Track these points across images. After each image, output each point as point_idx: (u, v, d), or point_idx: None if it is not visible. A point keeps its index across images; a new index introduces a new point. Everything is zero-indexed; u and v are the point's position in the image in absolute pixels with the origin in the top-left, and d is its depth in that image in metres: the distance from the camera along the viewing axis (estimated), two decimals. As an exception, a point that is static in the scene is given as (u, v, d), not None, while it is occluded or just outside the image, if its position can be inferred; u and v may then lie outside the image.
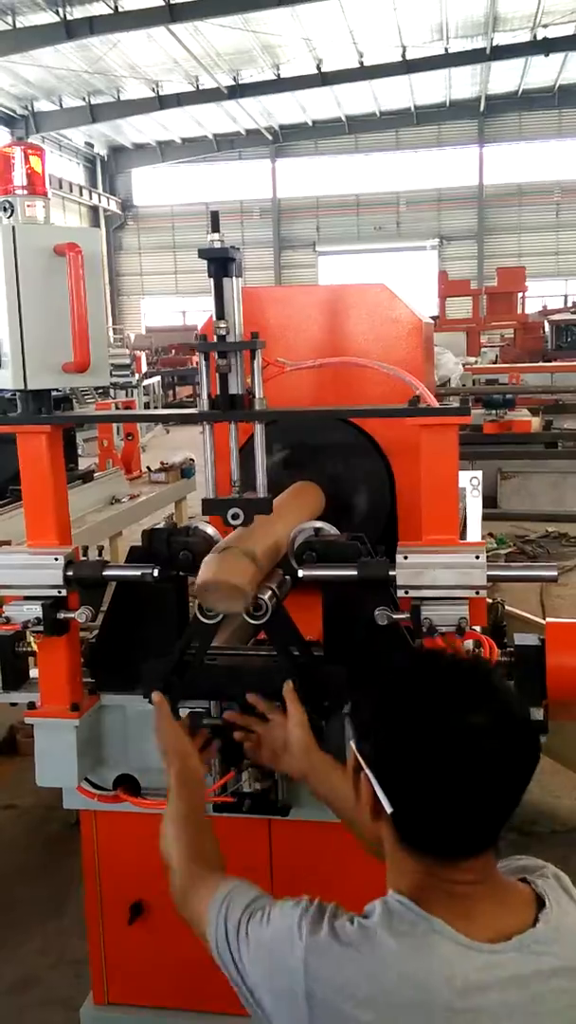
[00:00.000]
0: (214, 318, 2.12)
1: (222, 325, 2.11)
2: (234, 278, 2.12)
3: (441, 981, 1.15)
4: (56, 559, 2.28)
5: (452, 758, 1.19)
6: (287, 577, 2.24)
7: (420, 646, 2.06)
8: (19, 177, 2.33)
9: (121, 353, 19.33)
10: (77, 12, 21.96)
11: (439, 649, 1.91)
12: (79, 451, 8.96)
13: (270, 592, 2.09)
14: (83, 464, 8.32)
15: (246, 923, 1.31)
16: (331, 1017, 1.17)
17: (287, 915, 1.27)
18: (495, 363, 16.96)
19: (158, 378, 20.80)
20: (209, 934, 1.37)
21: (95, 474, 7.87)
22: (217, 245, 2.08)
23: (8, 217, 2.32)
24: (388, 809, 1.23)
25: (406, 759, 1.22)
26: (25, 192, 2.33)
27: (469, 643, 2.17)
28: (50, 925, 3.51)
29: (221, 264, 2.11)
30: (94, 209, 34.80)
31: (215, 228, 2.08)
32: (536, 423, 10.61)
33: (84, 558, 2.37)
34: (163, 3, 21.19)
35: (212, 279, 2.11)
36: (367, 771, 1.28)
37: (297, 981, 1.20)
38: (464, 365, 14.61)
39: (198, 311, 30.42)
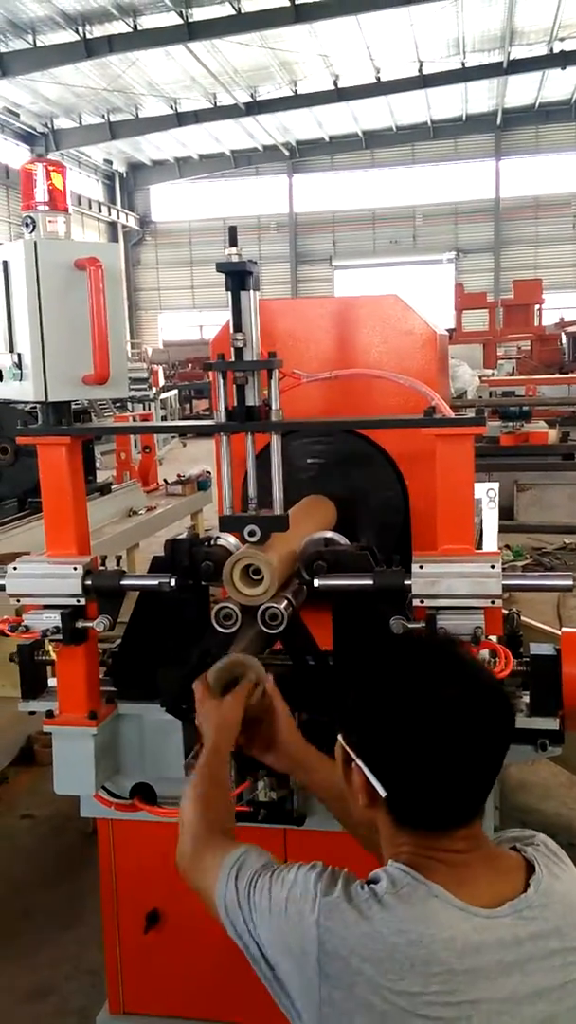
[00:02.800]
0: (231, 330, 2.15)
1: (239, 337, 2.13)
2: (251, 291, 2.15)
3: (441, 944, 1.22)
4: (75, 568, 2.31)
5: (433, 732, 1.27)
6: (303, 587, 2.25)
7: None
8: (41, 193, 2.38)
9: (139, 367, 19.46)
10: (96, 31, 22.26)
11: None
12: (97, 464, 9.03)
13: (286, 602, 2.11)
14: (101, 477, 8.38)
15: (259, 884, 1.37)
16: (340, 974, 1.24)
17: (302, 877, 1.34)
18: (512, 375, 16.91)
19: (175, 392, 20.93)
20: (218, 895, 1.40)
21: (113, 486, 7.93)
22: (235, 259, 2.11)
23: (30, 232, 2.37)
24: (383, 793, 1.31)
25: (392, 741, 1.30)
26: (47, 208, 2.38)
27: (484, 652, 2.18)
28: (66, 934, 3.52)
29: (238, 278, 2.14)
30: (112, 225, 35.11)
31: (232, 242, 2.11)
32: (553, 435, 10.58)
33: (102, 568, 2.39)
34: (181, 21, 21.44)
35: (229, 292, 2.14)
36: (357, 761, 1.35)
37: (311, 939, 1.26)
38: (480, 377, 14.57)
39: (215, 325, 30.43)
